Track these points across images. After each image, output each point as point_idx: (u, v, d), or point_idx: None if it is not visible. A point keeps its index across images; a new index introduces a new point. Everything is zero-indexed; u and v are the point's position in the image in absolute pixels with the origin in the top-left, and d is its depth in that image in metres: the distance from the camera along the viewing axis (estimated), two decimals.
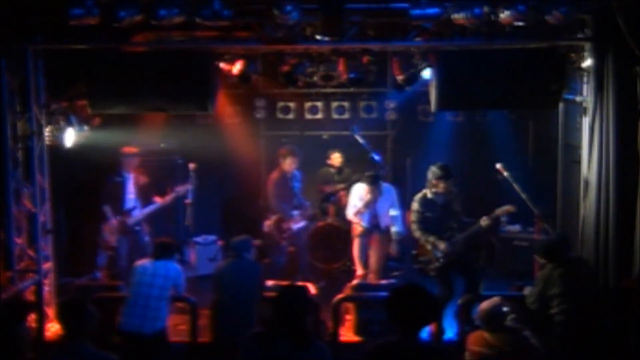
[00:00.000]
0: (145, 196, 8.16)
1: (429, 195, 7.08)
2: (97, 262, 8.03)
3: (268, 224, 8.50)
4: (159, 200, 8.12)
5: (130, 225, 7.97)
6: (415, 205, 7.10)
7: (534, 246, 6.32)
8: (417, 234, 7.07)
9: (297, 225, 8.52)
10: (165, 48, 6.89)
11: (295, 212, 8.50)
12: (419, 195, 7.16)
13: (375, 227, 7.93)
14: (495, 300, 5.08)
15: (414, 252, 8.09)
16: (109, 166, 8.16)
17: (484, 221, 6.91)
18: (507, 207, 6.99)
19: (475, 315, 5.09)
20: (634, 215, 6.24)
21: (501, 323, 4.98)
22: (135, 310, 5.83)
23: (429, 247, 7.03)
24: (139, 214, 8.06)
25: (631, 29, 6.01)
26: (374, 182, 7.79)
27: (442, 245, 6.92)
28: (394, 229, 7.86)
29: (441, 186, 6.98)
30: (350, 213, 8.03)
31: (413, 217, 7.09)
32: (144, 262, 6.08)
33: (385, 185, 8.02)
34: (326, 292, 7.15)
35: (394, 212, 7.92)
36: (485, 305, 5.03)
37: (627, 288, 6.27)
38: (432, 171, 7.03)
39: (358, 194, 7.98)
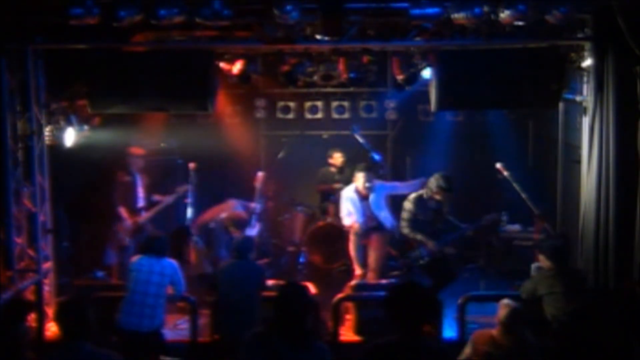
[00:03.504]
0: (147, 196, 8.20)
1: (425, 197, 7.25)
2: (106, 261, 8.03)
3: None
4: (160, 198, 8.15)
5: (143, 225, 7.99)
6: (408, 205, 7.27)
7: (541, 245, 6.33)
8: (406, 231, 7.27)
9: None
10: (165, 48, 6.89)
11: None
12: (414, 195, 7.32)
13: (372, 228, 7.92)
14: (514, 303, 5.06)
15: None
16: (109, 166, 8.17)
17: (470, 232, 7.35)
18: (494, 217, 7.35)
19: (498, 315, 5.04)
20: (634, 215, 6.24)
21: (518, 326, 4.98)
22: (133, 308, 5.84)
23: (415, 244, 7.27)
24: (146, 213, 8.09)
25: (631, 29, 6.01)
26: (368, 170, 7.77)
27: (430, 244, 7.13)
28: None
29: (441, 196, 7.17)
30: (346, 222, 7.95)
31: (405, 215, 7.27)
32: (138, 259, 6.06)
33: (377, 184, 7.95)
34: (326, 292, 7.14)
35: (384, 214, 7.91)
36: (509, 307, 4.99)
37: (627, 288, 6.27)
38: (437, 180, 7.15)
39: (349, 199, 7.90)
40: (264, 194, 8.74)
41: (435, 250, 7.11)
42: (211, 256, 8.18)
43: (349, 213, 7.90)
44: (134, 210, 8.03)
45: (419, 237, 7.18)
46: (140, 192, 8.14)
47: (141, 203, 8.13)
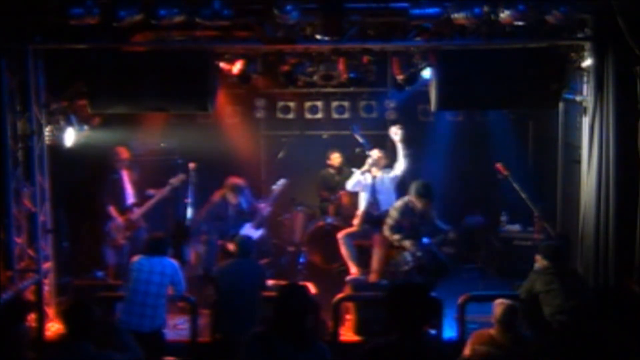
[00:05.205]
0: (139, 192, 8.21)
1: (410, 205, 7.36)
2: (106, 261, 8.03)
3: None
4: (154, 192, 8.16)
5: (135, 221, 8.01)
6: (394, 213, 7.41)
7: (539, 247, 6.33)
8: (387, 233, 7.41)
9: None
10: (165, 48, 6.88)
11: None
12: (399, 204, 7.46)
13: (373, 223, 7.92)
14: (509, 301, 5.08)
15: None
16: (109, 166, 8.17)
17: (452, 235, 7.43)
18: (476, 220, 7.71)
19: (494, 314, 5.05)
20: (634, 215, 6.24)
21: (515, 323, 4.99)
22: (134, 308, 5.84)
23: (396, 244, 7.37)
24: (139, 209, 8.10)
25: (631, 29, 6.01)
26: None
27: (407, 244, 7.21)
28: None
29: (419, 203, 7.25)
30: (349, 184, 8.17)
31: (389, 220, 7.42)
32: (139, 259, 6.07)
33: (388, 171, 8.09)
34: (326, 292, 7.15)
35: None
36: (504, 304, 5.01)
37: (627, 288, 6.27)
38: (415, 188, 7.27)
39: (357, 177, 8.13)
40: (277, 200, 8.72)
41: (417, 252, 7.11)
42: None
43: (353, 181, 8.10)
44: (124, 208, 8.02)
45: (396, 237, 7.31)
46: (129, 189, 8.14)
47: (131, 200, 8.12)
